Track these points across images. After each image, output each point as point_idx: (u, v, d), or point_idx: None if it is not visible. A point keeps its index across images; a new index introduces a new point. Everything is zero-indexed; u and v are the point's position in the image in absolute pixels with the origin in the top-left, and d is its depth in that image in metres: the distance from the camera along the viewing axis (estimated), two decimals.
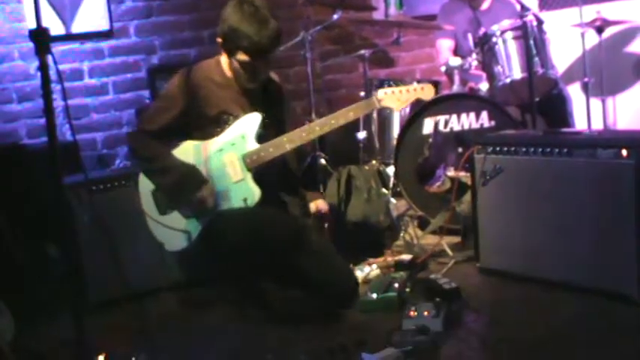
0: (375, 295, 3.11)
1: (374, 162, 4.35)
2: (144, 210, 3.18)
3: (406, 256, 3.63)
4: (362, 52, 4.75)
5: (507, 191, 3.33)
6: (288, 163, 3.39)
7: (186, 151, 3.15)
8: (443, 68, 4.47)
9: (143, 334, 2.90)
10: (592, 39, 4.68)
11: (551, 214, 3.16)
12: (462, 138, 4.08)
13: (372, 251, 3.74)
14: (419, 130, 4.15)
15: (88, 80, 4.75)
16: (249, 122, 3.15)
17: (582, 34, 4.61)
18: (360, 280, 3.39)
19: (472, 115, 4.09)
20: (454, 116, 4.11)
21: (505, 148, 3.34)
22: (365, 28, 5.68)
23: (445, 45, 4.79)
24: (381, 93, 3.23)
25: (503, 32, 4.18)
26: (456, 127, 4.11)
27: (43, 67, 2.09)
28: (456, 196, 3.74)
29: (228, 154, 3.13)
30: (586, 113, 4.68)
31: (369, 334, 2.81)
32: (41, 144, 4.34)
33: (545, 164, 3.18)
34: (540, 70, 4.12)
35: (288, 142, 3.12)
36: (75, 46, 4.69)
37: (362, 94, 4.66)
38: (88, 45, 4.73)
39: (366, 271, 3.51)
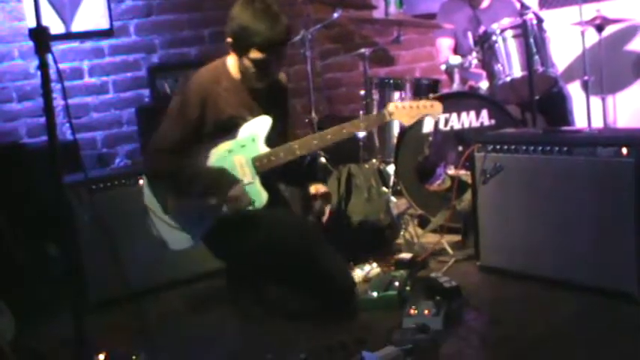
0: (375, 294, 3.11)
1: (374, 160, 4.35)
2: (148, 206, 3.16)
3: (406, 255, 3.63)
4: (362, 50, 4.75)
5: (507, 190, 3.33)
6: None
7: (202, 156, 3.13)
8: (443, 67, 4.46)
9: (143, 333, 2.89)
10: (592, 37, 4.68)
11: (552, 213, 3.15)
12: (462, 136, 4.08)
13: (373, 250, 3.74)
14: (419, 129, 4.13)
15: (88, 79, 4.75)
16: (260, 125, 3.12)
17: (582, 33, 4.61)
18: (360, 279, 3.40)
19: (472, 113, 4.09)
20: (454, 115, 4.10)
21: (505, 147, 3.34)
22: (365, 27, 5.69)
23: (445, 44, 4.79)
24: (392, 107, 3.21)
25: (503, 31, 4.18)
26: (456, 126, 4.10)
27: (43, 66, 2.09)
28: (457, 194, 3.73)
29: (238, 156, 3.10)
30: (586, 111, 4.68)
31: (369, 332, 2.82)
32: (41, 143, 4.33)
33: (545, 163, 3.18)
34: (540, 69, 4.13)
35: (299, 148, 3.10)
36: (75, 45, 4.68)
37: (362, 92, 4.67)
38: (88, 44, 4.72)
39: (367, 269, 3.51)
